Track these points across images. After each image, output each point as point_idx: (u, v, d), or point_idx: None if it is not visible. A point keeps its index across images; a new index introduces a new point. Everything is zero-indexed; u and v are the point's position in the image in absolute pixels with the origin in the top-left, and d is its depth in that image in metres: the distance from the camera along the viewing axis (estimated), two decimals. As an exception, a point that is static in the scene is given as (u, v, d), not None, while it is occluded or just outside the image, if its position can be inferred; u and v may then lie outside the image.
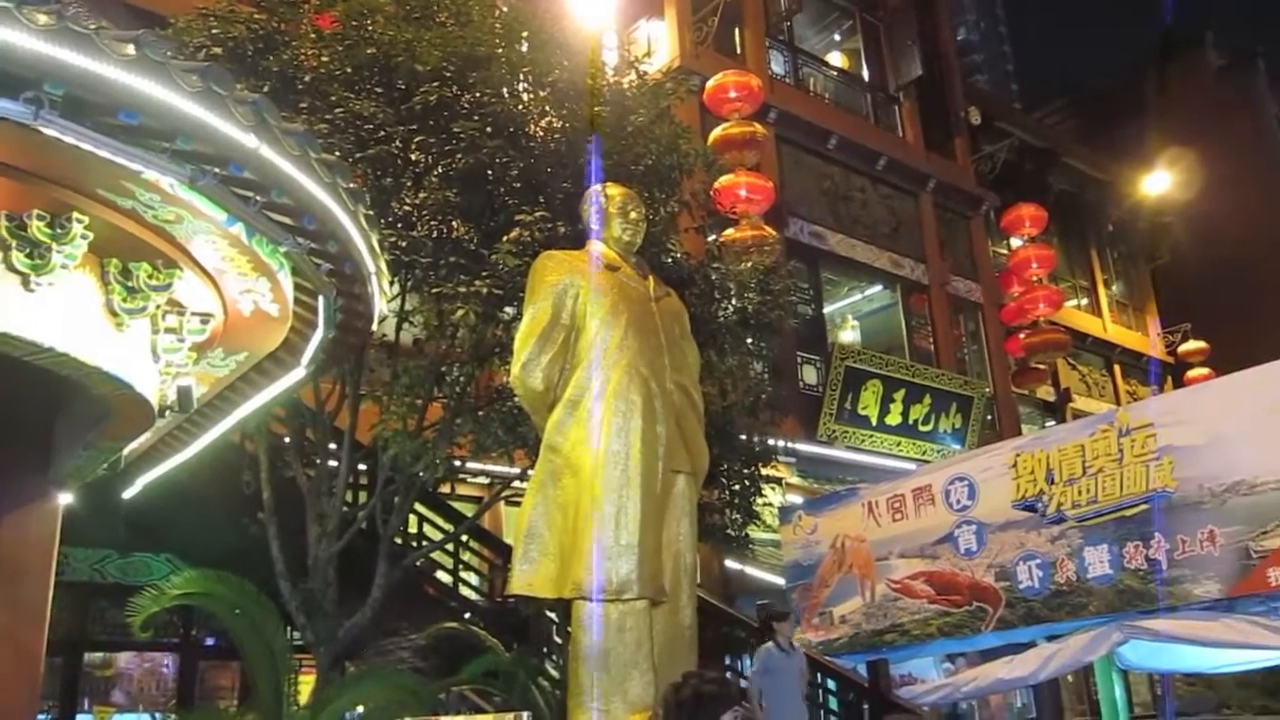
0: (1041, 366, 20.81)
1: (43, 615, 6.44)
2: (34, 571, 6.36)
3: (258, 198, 4.37)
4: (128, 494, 7.79)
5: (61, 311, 4.57)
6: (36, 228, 4.38)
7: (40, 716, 9.08)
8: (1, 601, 6.18)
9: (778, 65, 18.13)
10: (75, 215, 4.43)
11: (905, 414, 16.53)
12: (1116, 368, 24.35)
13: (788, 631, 8.18)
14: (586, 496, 5.22)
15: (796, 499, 12.60)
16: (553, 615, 9.52)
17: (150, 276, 4.87)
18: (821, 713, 10.27)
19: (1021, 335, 20.20)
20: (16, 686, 6.21)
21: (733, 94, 14.83)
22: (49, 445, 6.45)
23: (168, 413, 5.57)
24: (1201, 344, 24.92)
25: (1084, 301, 24.48)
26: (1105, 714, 10.55)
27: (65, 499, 6.74)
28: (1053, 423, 19.68)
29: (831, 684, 10.12)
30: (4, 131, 3.81)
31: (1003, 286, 20.68)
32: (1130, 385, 24.35)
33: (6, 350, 4.56)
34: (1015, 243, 21.24)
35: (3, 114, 3.68)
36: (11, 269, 4.38)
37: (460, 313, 6.96)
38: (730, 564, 12.80)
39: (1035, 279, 20.32)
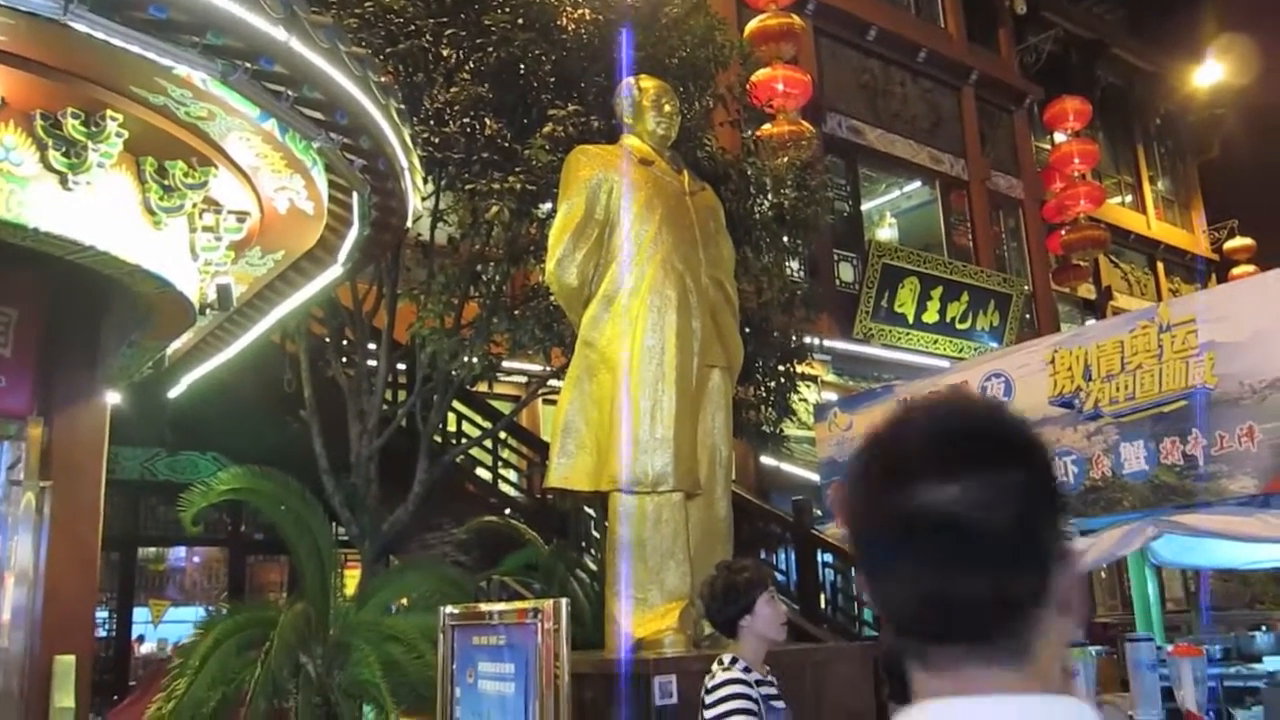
0: (1082, 264, 20.49)
1: (97, 511, 6.66)
2: (87, 469, 6.55)
3: (289, 92, 4.36)
4: (173, 394, 7.94)
5: (100, 210, 4.61)
6: (72, 126, 4.39)
7: (98, 609, 9.40)
8: (58, 498, 6.39)
9: (815, -46, 17.59)
10: (109, 113, 4.44)
11: (942, 312, 16.40)
12: (1159, 265, 23.93)
13: None
14: (622, 391, 5.26)
15: (832, 396, 12.62)
16: (590, 510, 9.68)
17: (186, 175, 4.89)
18: (855, 605, 10.45)
19: (1062, 232, 19.85)
20: (75, 579, 6.45)
21: (769, -16, 14.42)
22: (96, 345, 6.58)
23: (208, 311, 5.64)
24: (1248, 240, 24.40)
25: (1128, 198, 23.97)
26: (1138, 609, 10.64)
27: (113, 398, 6.90)
28: (1092, 321, 19.46)
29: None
30: (35, 28, 3.81)
31: (1044, 183, 20.27)
32: (1173, 283, 23.95)
33: (49, 249, 4.62)
34: (1059, 138, 20.73)
35: (33, 9, 3.67)
36: (49, 168, 4.41)
37: (494, 210, 6.94)
38: (765, 460, 12.91)
39: (1077, 175, 19.88)
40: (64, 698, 5.78)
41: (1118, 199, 23.18)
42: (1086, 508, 9.04)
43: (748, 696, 3.32)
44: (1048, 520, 1.01)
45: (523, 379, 11.04)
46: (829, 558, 10.55)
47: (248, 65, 4.12)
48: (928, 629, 0.98)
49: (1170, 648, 6.06)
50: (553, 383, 9.21)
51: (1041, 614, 0.96)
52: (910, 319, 16.11)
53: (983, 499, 0.96)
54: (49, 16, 3.68)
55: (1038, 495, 1.02)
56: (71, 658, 5.99)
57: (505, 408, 10.55)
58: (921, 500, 0.96)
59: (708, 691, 3.39)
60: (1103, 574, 16.04)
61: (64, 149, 4.39)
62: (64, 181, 4.43)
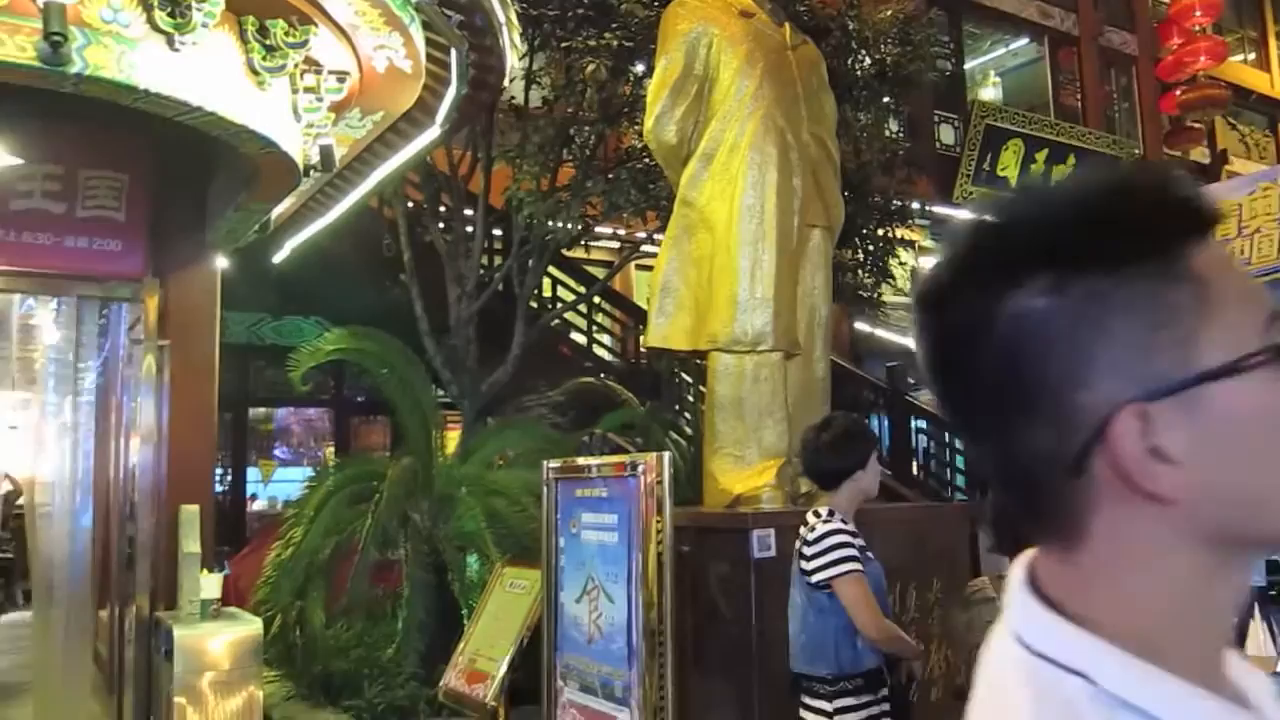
0: (1197, 126, 19.48)
1: (213, 371, 6.92)
2: (202, 330, 6.79)
3: (387, -56, 4.29)
4: (277, 259, 8.12)
5: (206, 71, 4.65)
6: (175, -16, 4.40)
7: (215, 466, 9.86)
8: (176, 359, 6.64)
9: None
10: (211, -30, 4.44)
11: (1047, 175, 15.84)
12: (1282, 127, 22.68)
13: None
14: (722, 250, 5.23)
15: (930, 262, 12.38)
16: (685, 374, 9.76)
17: (286, 34, 4.88)
18: (948, 471, 10.46)
19: (1178, 92, 18.84)
20: (196, 437, 6.75)
21: None
22: (204, 208, 6.75)
23: (311, 173, 5.70)
24: (1379, 100, 22.91)
25: (1251, 55, 22.56)
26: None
27: (222, 262, 7.09)
28: (1206, 185, 18.59)
29: (959, 443, 10.22)
30: (136, -118, 3.79)
31: (1161, 38, 19.17)
32: (1296, 146, 22.71)
33: (158, 110, 4.68)
34: (1178, -12, 19.52)
35: None
36: (156, 29, 4.44)
37: (590, 68, 6.83)
38: (860, 325, 12.80)
39: (1197, 29, 18.73)
40: (190, 543, 6.12)
41: (1239, 56, 21.83)
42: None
43: (854, 545, 3.37)
44: None
45: (615, 244, 11.05)
46: (922, 424, 10.53)
47: (345, -84, 4.06)
48: None
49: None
50: (646, 248, 9.20)
51: None
52: (1013, 183, 15.58)
53: None
54: None
55: None
56: (195, 507, 6.32)
57: (599, 273, 10.59)
58: None
59: (807, 543, 3.44)
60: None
61: (169, 9, 4.41)
62: (170, 42, 4.46)
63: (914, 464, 10.48)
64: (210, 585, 5.72)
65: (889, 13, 8.84)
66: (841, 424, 3.64)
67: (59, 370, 7.22)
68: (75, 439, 7.01)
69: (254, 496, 12.59)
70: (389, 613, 6.76)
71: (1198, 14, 18.61)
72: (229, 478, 11.99)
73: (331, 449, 12.65)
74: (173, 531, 6.31)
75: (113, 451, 6.87)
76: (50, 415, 7.14)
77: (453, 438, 9.11)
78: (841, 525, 3.44)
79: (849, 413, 4.07)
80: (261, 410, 12.96)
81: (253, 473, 12.58)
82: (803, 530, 3.51)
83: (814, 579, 3.37)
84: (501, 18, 5.00)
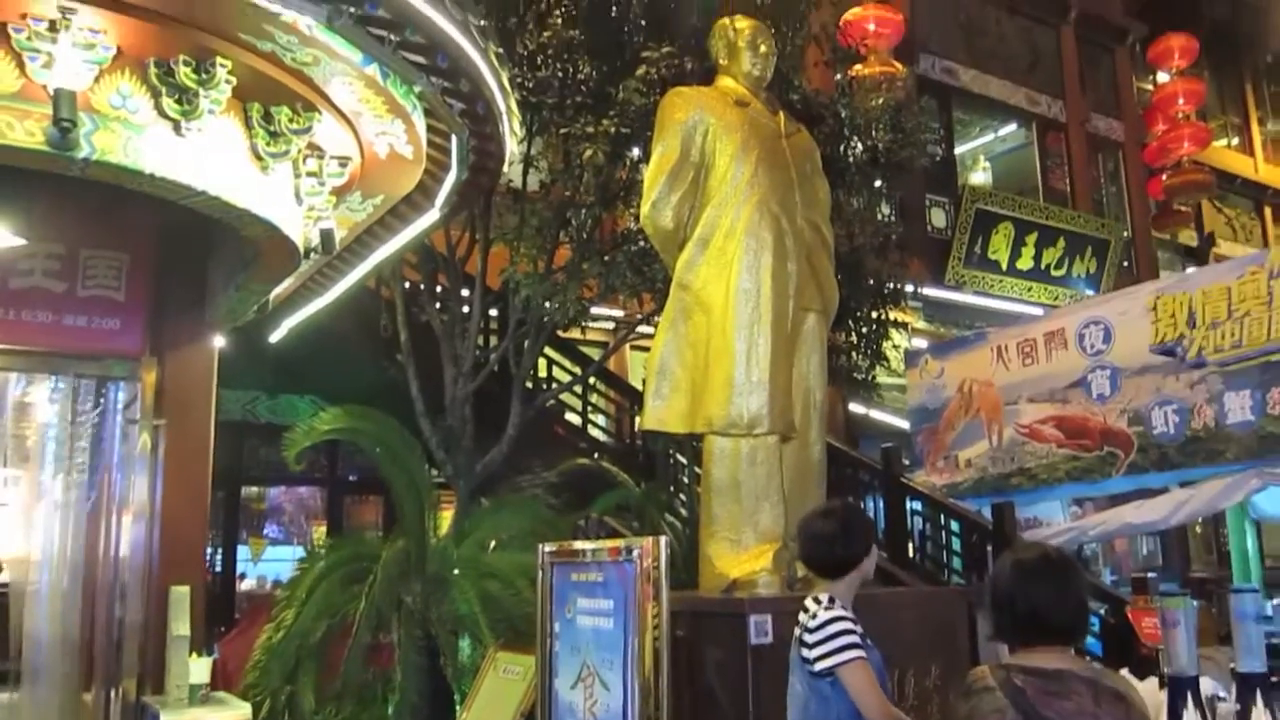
0: (1184, 209, 19.80)
1: (207, 450, 6.93)
2: (198, 408, 6.81)
3: (392, 36, 4.40)
4: (274, 337, 8.16)
5: (211, 155, 4.73)
6: (183, 73, 4.50)
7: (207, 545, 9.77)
8: (171, 437, 6.66)
9: (908, -111, 17.08)
10: (219, 60, 4.54)
11: (1037, 258, 16.04)
12: (1267, 210, 22.94)
13: None
14: (718, 333, 5.27)
15: (922, 343, 12.46)
16: (680, 455, 9.75)
17: (291, 120, 4.98)
18: (944, 553, 10.39)
19: (1164, 176, 19.19)
20: (188, 515, 6.73)
21: (861, -79, 14.10)
22: (204, 288, 6.81)
23: (311, 255, 5.77)
24: (1363, 184, 23.30)
25: (1235, 140, 23.00)
26: (1236, 564, 10.40)
27: (220, 341, 7.13)
28: (1194, 268, 18.84)
29: (955, 525, 10.20)
30: (149, -25, 3.90)
31: (1146, 124, 19.57)
32: (1281, 228, 23.03)
33: (163, 194, 4.76)
34: (1162, 77, 19.97)
35: (148, -43, 3.76)
36: (163, 114, 4.53)
37: (588, 153, 6.95)
38: (855, 407, 12.83)
39: (1181, 115, 19.15)
40: (180, 626, 6.06)
41: (1223, 141, 22.27)
42: (1187, 458, 8.83)
43: (856, 632, 3.36)
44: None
45: (611, 325, 11.11)
46: (918, 505, 10.49)
47: (352, 10, 4.17)
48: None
49: (1277, 601, 5.92)
50: (641, 329, 9.26)
51: None
52: (1004, 265, 15.80)
53: None
54: (163, -36, 3.76)
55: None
56: (186, 589, 6.26)
57: (594, 353, 10.63)
58: None
59: (809, 630, 3.42)
60: (1198, 528, 15.68)
61: (176, 96, 4.51)
62: (177, 128, 4.55)
63: (910, 546, 10.41)
64: (199, 669, 5.65)
65: (880, 101, 9.03)
66: (844, 513, 3.66)
67: (52, 448, 7.20)
68: (66, 517, 6.97)
69: (243, 575, 12.45)
70: (380, 696, 6.66)
71: (1181, 101, 19.06)
72: (219, 556, 11.86)
73: (323, 528, 12.55)
74: (162, 613, 6.25)
75: (103, 530, 6.82)
76: (41, 493, 7.11)
77: (446, 517, 9.06)
78: (843, 612, 3.43)
79: (846, 500, 4.08)
80: (254, 488, 12.89)
81: (243, 550, 12.46)
82: (803, 617, 3.49)
83: (817, 667, 3.34)
84: (502, 106, 5.11)
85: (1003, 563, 2.77)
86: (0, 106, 4.19)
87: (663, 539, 4.23)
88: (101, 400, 7.04)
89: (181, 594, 6.19)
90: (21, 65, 4.19)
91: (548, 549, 4.94)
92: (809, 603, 3.53)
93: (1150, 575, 10.35)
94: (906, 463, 10.91)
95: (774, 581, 5.09)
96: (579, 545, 5.04)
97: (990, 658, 3.26)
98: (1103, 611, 8.78)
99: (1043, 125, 17.85)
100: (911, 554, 10.37)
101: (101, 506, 6.85)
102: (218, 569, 11.73)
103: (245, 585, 12.36)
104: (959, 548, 10.19)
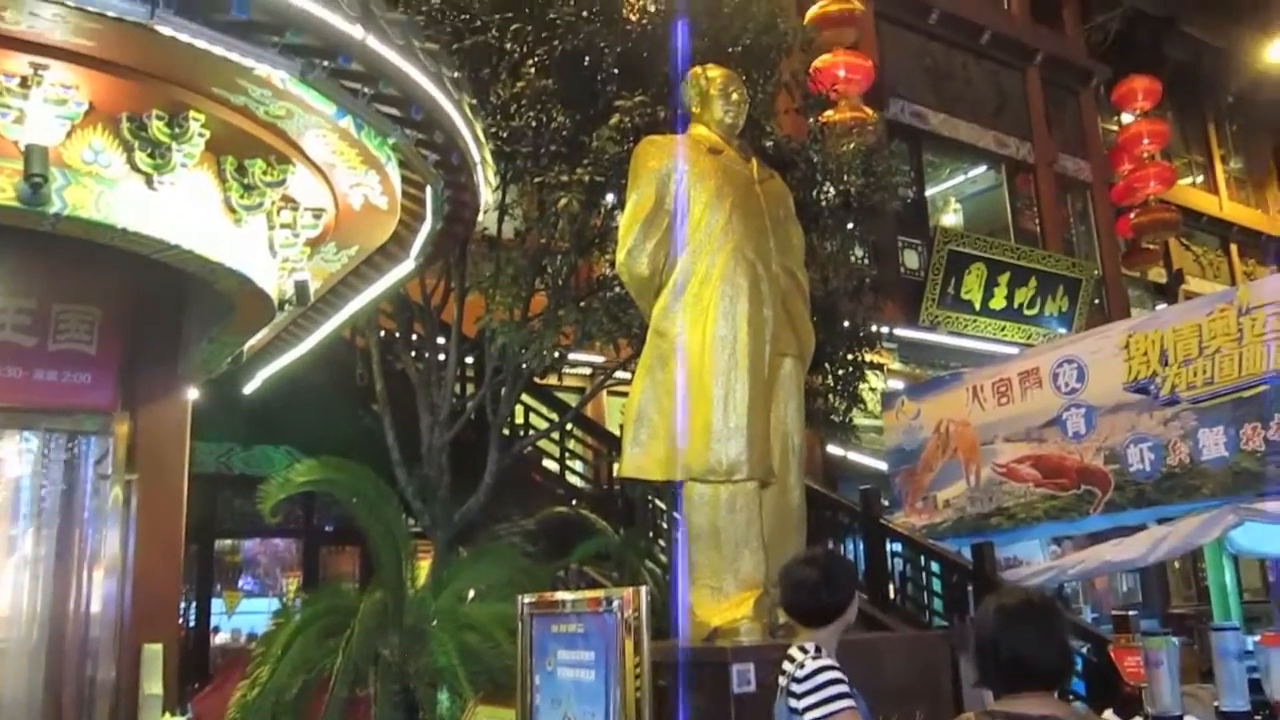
0: (1152, 247, 20.09)
1: (180, 503, 6.85)
2: (170, 462, 6.75)
3: (366, 89, 4.42)
4: (248, 389, 8.11)
5: (184, 209, 4.73)
6: (156, 128, 4.51)
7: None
8: (143, 491, 6.58)
9: (874, -63, 17.41)
10: (192, 114, 4.55)
11: (1010, 298, 16.18)
12: (1233, 247, 23.32)
13: None
14: (695, 380, 5.26)
15: (898, 384, 12.52)
16: (659, 501, 9.71)
17: (265, 173, 4.99)
18: (925, 594, 10.37)
19: (1132, 215, 19.48)
20: (161, 569, 6.65)
21: (829, -31, 14.34)
22: (177, 341, 6.76)
23: (286, 307, 5.75)
24: (1326, 219, 23.73)
25: (1199, 179, 23.40)
26: (1215, 600, 10.42)
27: (193, 393, 7.07)
28: (1164, 305, 19.07)
29: (935, 566, 10.18)
30: (122, 33, 3.90)
31: (1113, 164, 19.88)
32: (1248, 265, 23.34)
33: (135, 248, 4.75)
34: (1127, 118, 20.32)
35: (120, 14, 3.76)
36: (135, 169, 4.53)
37: (562, 201, 6.98)
38: (832, 449, 12.84)
39: (1147, 155, 19.50)
40: (153, 685, 5.97)
41: (1188, 180, 22.64)
42: (1163, 495, 8.88)
43: (845, 682, 3.33)
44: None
45: (587, 371, 11.10)
46: (897, 547, 10.48)
47: (326, 63, 4.19)
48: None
49: (1258, 637, 5.93)
50: (619, 374, 9.26)
51: None
52: (977, 305, 15.92)
53: None
54: (136, 21, 3.77)
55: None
56: (159, 646, 6.18)
57: (570, 399, 10.61)
58: None
59: (796, 681, 3.38)
60: (1176, 564, 15.72)
61: (149, 150, 4.51)
62: (149, 182, 4.55)
63: (890, 588, 10.38)
64: (173, 730, 5.53)
65: (852, 145, 9.14)
66: (826, 560, 3.64)
67: (21, 503, 7.10)
68: (36, 573, 6.85)
69: (218, 629, 12.26)
70: (357, 753, 6.54)
71: (1146, 141, 19.40)
72: (193, 610, 11.69)
73: (298, 581, 12.40)
74: (134, 671, 6.15)
75: (74, 586, 6.71)
76: (11, 548, 6.99)
77: (424, 567, 8.96)
78: (830, 661, 3.40)
79: (829, 548, 4.07)
80: (229, 541, 12.73)
81: (217, 604, 12.28)
82: (789, 667, 3.46)
83: (806, 718, 3.31)
84: (476, 156, 5.14)
85: (985, 608, 2.76)
86: (-29, 162, 4.18)
87: (643, 589, 4.18)
88: (73, 455, 6.96)
89: (154, 652, 6.10)
90: (-8, 121, 4.18)
91: (527, 600, 4.88)
92: (794, 652, 3.50)
93: (1131, 613, 10.37)
94: (885, 504, 10.90)
95: (756, 629, 5.05)
96: (559, 596, 4.98)
97: (975, 704, 3.23)
98: (1085, 650, 8.77)
99: (1012, 167, 18.10)
100: (892, 596, 10.34)
101: (72, 562, 6.74)
102: (192, 623, 11.55)
103: (220, 639, 12.17)
104: (940, 589, 10.16)
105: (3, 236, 4.95)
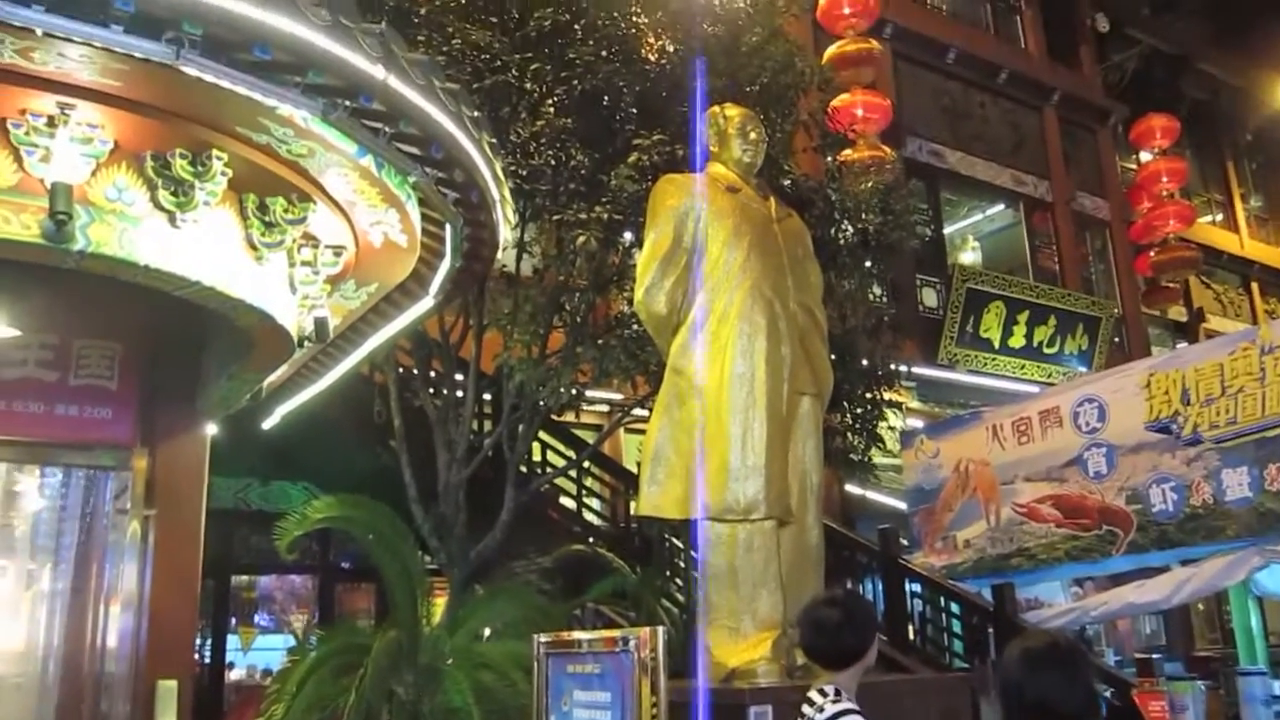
0: (1172, 285, 20.01)
1: (197, 539, 6.85)
2: (188, 498, 6.75)
3: (386, 128, 4.46)
4: (267, 424, 8.12)
5: (206, 246, 4.76)
6: (180, 166, 4.55)
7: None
8: (161, 526, 6.59)
9: (892, -22, 17.54)
10: (215, 152, 4.60)
11: (1029, 336, 16.12)
12: (1254, 285, 23.18)
13: None
14: (712, 418, 5.25)
15: (917, 423, 12.46)
16: (676, 540, 9.66)
17: (286, 210, 5.02)
18: (945, 636, 10.25)
19: (1151, 253, 19.43)
20: (177, 606, 6.64)
21: (847, 10, 14.46)
22: (196, 377, 6.79)
23: (305, 344, 5.77)
24: (1348, 257, 23.58)
25: (1219, 216, 23.33)
26: (1240, 642, 10.28)
27: (212, 429, 7.10)
28: (1184, 344, 18.95)
29: (955, 608, 10.07)
30: (148, 73, 3.96)
31: (1131, 202, 19.86)
32: (1269, 304, 23.20)
33: (157, 285, 4.78)
34: (1145, 156, 20.34)
35: (146, 55, 3.81)
36: (159, 207, 4.57)
37: (581, 239, 7.00)
38: (851, 488, 12.77)
39: (1166, 194, 19.48)
40: (167, 722, 5.94)
41: (1208, 218, 22.57)
42: (1187, 535, 8.79)
43: (867, 727, 3.28)
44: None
45: (605, 408, 11.09)
46: (916, 587, 10.38)
47: (347, 103, 4.23)
48: None
49: (1284, 682, 5.85)
50: (636, 411, 9.24)
51: None
52: (996, 344, 15.87)
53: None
54: (161, 61, 3.82)
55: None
56: (174, 683, 6.16)
57: (588, 436, 10.59)
58: None
59: (819, 725, 3.34)
60: (1201, 606, 15.51)
61: (172, 188, 4.55)
62: (172, 219, 4.59)
63: (910, 629, 10.28)
64: (186, 768, 5.50)
65: (869, 184, 9.15)
66: (848, 602, 3.59)
67: (40, 538, 7.13)
68: (53, 607, 6.87)
69: (233, 665, 12.21)
70: (370, 794, 6.48)
71: (1165, 180, 19.38)
72: (209, 646, 11.65)
73: (314, 618, 12.35)
74: (149, 707, 6.12)
75: (90, 620, 6.72)
76: (29, 583, 7.01)
77: (440, 605, 8.93)
78: (851, 705, 3.35)
79: (849, 589, 4.02)
80: (245, 577, 12.71)
81: (233, 639, 12.24)
82: (808, 710, 3.41)
83: (827, 762, 3.26)
84: (496, 195, 5.16)
85: (1010, 651, 2.73)
86: (-3, 200, 4.23)
87: (659, 629, 4.15)
88: (91, 489, 6.99)
89: (169, 689, 6.08)
90: (19, 160, 4.23)
91: (543, 640, 4.85)
92: (814, 694, 3.45)
93: (1155, 656, 10.21)
94: (905, 544, 10.82)
95: (773, 670, 4.99)
96: (575, 636, 4.95)
97: (997, 749, 3.18)
98: (1109, 694, 8.64)
99: (1030, 205, 18.10)
100: (912, 637, 10.22)
101: (89, 597, 6.76)
102: (207, 659, 11.52)
103: (235, 675, 12.11)
104: (960, 630, 10.05)
105: (26, 272, 5.00)
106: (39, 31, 3.69)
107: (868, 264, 9.23)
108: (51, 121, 4.21)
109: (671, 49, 8.04)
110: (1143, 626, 15.79)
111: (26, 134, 4.20)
